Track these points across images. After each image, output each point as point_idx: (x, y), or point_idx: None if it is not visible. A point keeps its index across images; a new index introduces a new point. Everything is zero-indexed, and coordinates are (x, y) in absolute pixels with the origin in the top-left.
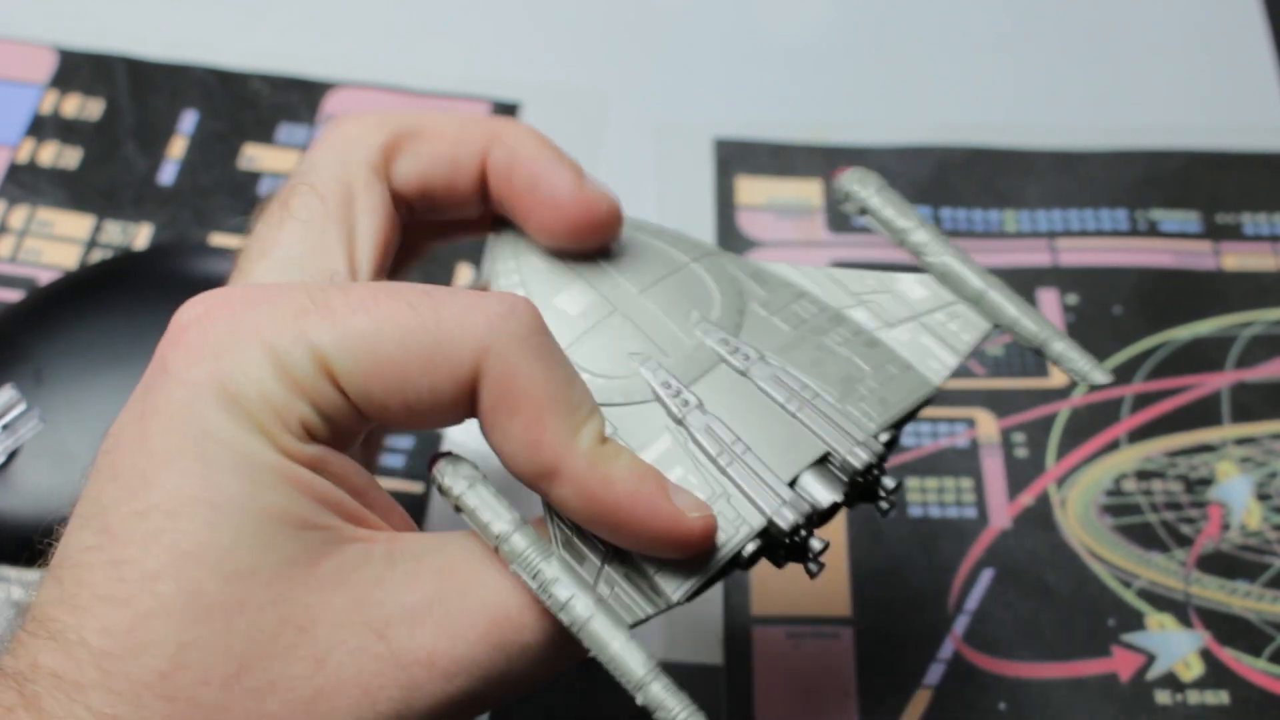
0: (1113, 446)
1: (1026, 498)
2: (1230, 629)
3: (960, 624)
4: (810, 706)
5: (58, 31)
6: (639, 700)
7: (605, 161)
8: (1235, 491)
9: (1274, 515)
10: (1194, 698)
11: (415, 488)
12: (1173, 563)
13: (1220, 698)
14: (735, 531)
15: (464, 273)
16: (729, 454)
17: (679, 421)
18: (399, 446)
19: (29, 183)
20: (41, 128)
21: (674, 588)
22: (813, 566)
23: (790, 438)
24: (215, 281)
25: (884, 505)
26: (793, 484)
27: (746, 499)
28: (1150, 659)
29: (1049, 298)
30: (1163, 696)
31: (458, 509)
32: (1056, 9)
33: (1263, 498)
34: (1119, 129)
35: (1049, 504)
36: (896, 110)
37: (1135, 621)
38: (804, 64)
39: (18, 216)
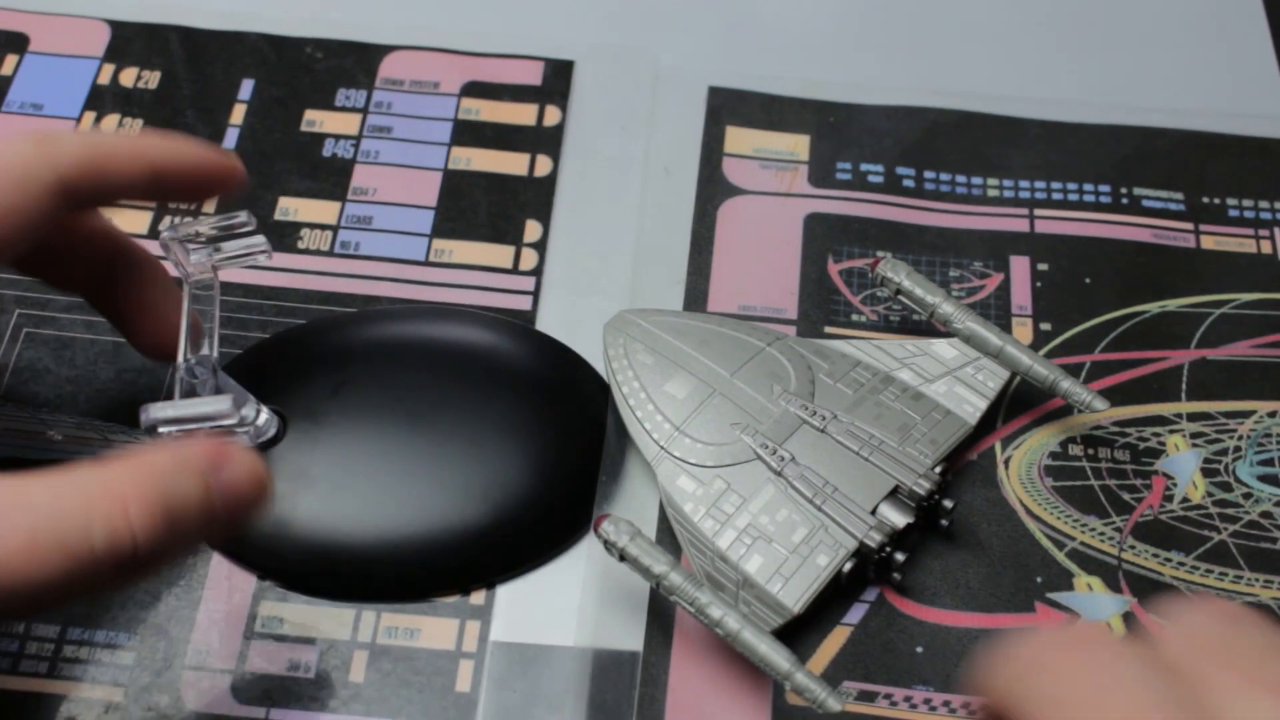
0: (1064, 411)
1: (971, 454)
2: (1158, 597)
3: None
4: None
5: (108, 4)
6: (788, 687)
7: (643, 115)
8: (1182, 465)
9: (1217, 491)
10: None
11: None
12: (1109, 528)
13: None
14: (836, 553)
15: (532, 228)
16: (822, 494)
17: (778, 473)
18: None
19: None
20: (101, 100)
21: (792, 601)
22: (896, 575)
23: (867, 477)
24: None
25: (944, 523)
26: (874, 512)
27: (840, 528)
28: (1073, 618)
29: (1020, 264)
30: None
31: (622, 558)
32: None
33: (1208, 473)
34: (1113, 105)
35: (993, 461)
36: (892, 71)
37: (1063, 581)
38: (803, 20)
39: None
